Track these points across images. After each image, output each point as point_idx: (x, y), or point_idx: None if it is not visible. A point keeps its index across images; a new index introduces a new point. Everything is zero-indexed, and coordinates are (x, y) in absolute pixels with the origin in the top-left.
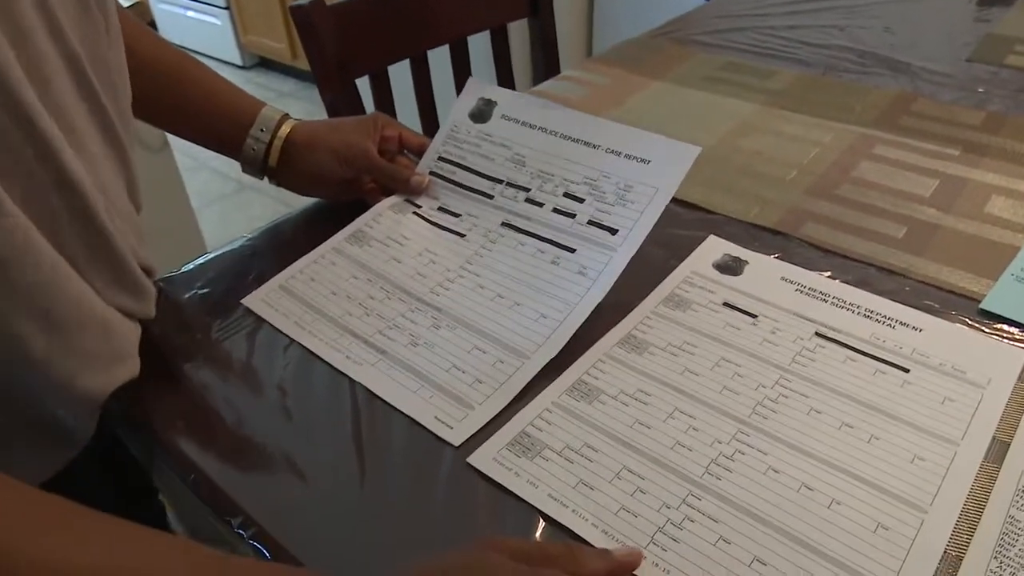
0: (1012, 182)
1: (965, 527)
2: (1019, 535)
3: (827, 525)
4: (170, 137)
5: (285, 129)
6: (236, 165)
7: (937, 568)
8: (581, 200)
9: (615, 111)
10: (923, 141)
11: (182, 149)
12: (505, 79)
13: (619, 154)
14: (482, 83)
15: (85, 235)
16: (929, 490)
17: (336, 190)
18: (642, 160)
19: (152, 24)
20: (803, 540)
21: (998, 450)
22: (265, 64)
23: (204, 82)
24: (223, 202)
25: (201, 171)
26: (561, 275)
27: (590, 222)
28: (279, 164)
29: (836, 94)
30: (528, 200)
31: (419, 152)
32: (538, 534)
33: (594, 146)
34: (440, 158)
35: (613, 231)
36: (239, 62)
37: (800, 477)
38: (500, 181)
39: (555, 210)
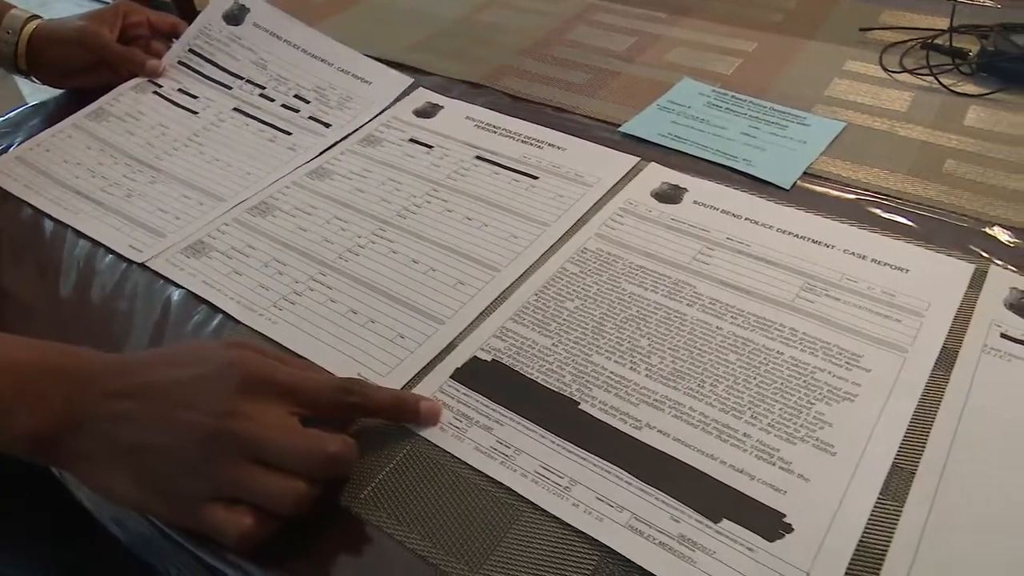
0: (700, 36)
1: (527, 278)
2: (563, 279)
3: (418, 285)
4: None
5: (30, 28)
6: None
7: (491, 304)
8: (308, 102)
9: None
10: (637, 7)
11: None
12: None
13: (348, 73)
14: None
15: None
16: (509, 256)
17: (90, 78)
18: (365, 81)
19: None
20: (393, 295)
21: (578, 226)
22: None
23: None
24: None
25: None
26: (274, 150)
27: (310, 118)
28: (30, 61)
29: None
30: (262, 95)
31: (169, 32)
32: (196, 315)
33: (329, 63)
34: (190, 50)
35: (328, 125)
36: None
37: (412, 255)
38: (241, 78)
39: (283, 106)
